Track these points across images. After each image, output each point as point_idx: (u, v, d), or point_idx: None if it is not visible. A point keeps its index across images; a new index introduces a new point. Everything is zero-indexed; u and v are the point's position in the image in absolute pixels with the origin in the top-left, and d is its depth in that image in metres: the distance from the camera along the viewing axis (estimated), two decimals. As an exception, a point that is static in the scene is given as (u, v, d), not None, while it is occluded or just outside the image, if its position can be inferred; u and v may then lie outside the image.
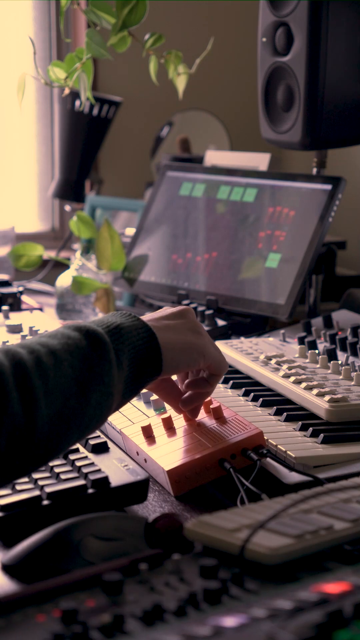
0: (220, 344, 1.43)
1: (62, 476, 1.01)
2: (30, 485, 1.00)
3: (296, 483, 1.06)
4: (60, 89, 1.77)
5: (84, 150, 2.36)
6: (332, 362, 1.31)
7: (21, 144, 2.59)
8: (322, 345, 1.44)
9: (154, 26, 1.81)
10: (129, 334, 1.00)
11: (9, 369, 0.88)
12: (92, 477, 1.01)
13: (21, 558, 0.91)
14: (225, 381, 1.33)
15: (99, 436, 1.11)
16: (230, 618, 0.66)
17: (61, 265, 2.09)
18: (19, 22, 2.52)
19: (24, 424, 0.87)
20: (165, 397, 1.13)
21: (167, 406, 1.21)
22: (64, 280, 1.87)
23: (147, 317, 1.08)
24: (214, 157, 2.12)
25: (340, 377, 1.29)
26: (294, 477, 1.07)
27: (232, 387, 1.32)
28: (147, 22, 1.64)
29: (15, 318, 1.62)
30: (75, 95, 2.22)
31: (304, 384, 1.24)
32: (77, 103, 2.27)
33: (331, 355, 1.35)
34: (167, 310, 1.11)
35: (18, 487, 0.99)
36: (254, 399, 1.27)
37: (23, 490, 0.99)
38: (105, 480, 1.01)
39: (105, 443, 1.09)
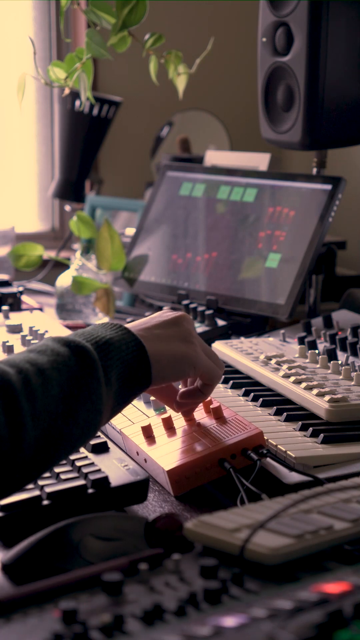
0: (220, 344, 1.43)
1: (62, 476, 1.01)
2: (30, 485, 1.00)
3: (296, 483, 1.06)
4: (60, 89, 1.77)
5: (84, 150, 2.36)
6: (332, 362, 1.31)
7: (21, 144, 2.59)
8: (322, 345, 1.44)
9: (154, 26, 1.81)
10: (118, 349, 0.98)
11: None
12: (92, 477, 1.01)
13: (21, 558, 0.91)
14: (225, 381, 1.33)
15: (99, 436, 1.11)
16: (230, 618, 0.66)
17: (61, 265, 2.09)
18: (19, 22, 2.52)
19: (9, 448, 0.87)
20: (160, 396, 1.13)
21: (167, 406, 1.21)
22: (64, 280, 1.87)
23: (137, 325, 1.06)
24: (214, 157, 2.12)
25: (340, 377, 1.29)
26: (294, 477, 1.07)
27: (232, 387, 1.32)
28: (147, 22, 1.64)
29: (15, 318, 1.62)
30: (75, 95, 2.22)
31: (304, 384, 1.24)
32: (77, 103, 2.27)
33: (331, 355, 1.35)
34: (161, 316, 1.09)
35: (18, 487, 0.99)
36: (254, 399, 1.27)
37: (23, 491, 0.99)
38: (105, 480, 1.01)
39: (105, 443, 1.09)
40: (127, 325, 1.04)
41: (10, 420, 0.87)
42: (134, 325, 1.06)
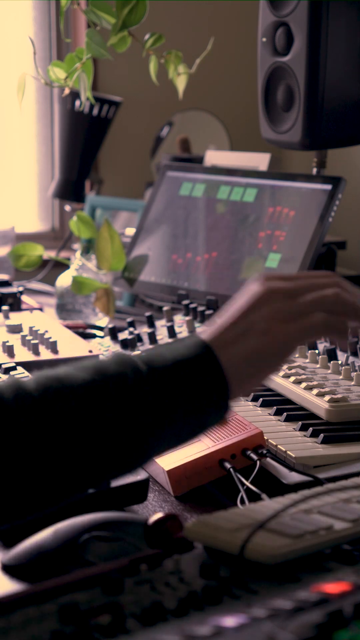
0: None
1: (62, 476, 1.01)
2: (30, 485, 1.00)
3: (296, 483, 1.06)
4: (60, 89, 1.77)
5: (84, 150, 2.36)
6: (332, 362, 1.31)
7: (21, 144, 2.59)
8: (322, 345, 1.44)
9: (154, 26, 1.81)
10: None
11: None
12: (92, 477, 1.01)
13: (21, 558, 0.91)
14: (225, 381, 1.33)
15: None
16: (230, 618, 0.66)
17: (61, 265, 2.09)
18: (19, 22, 2.52)
19: None
20: None
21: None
22: (64, 280, 1.87)
23: (212, 338, 0.89)
24: (214, 157, 2.12)
25: (340, 377, 1.29)
26: (294, 477, 1.07)
27: (232, 387, 1.32)
28: (147, 22, 1.64)
29: (15, 318, 1.62)
30: (75, 95, 2.22)
31: (304, 384, 1.24)
32: (77, 103, 2.27)
33: (331, 355, 1.35)
34: (234, 313, 0.91)
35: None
36: (254, 399, 1.27)
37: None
38: (105, 480, 1.01)
39: (105, 443, 1.09)
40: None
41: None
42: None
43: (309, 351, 1.36)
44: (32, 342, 1.44)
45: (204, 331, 0.90)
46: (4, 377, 1.33)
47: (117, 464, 0.87)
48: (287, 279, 0.93)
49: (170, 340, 1.53)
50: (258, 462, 1.08)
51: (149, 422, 0.85)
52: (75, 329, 1.70)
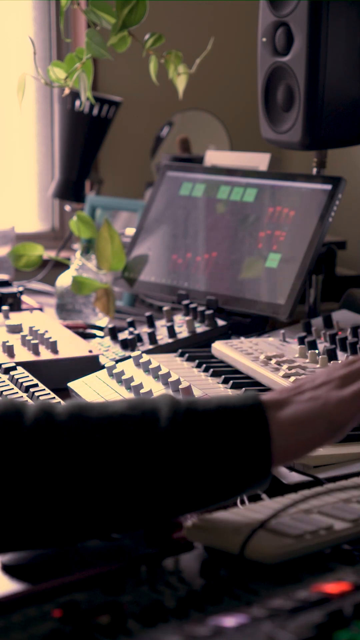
0: (220, 344, 1.43)
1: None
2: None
3: (296, 483, 1.06)
4: (60, 89, 1.77)
5: (84, 150, 2.36)
6: (332, 362, 1.31)
7: (21, 144, 2.59)
8: (322, 345, 1.44)
9: (154, 26, 1.81)
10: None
11: None
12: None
13: (21, 558, 0.91)
14: (225, 381, 1.33)
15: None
16: (230, 618, 0.66)
17: (61, 265, 2.09)
18: (19, 22, 2.52)
19: None
20: None
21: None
22: (64, 280, 1.87)
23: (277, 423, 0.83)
24: (214, 157, 2.12)
25: (340, 377, 1.29)
26: (294, 477, 1.07)
27: (232, 387, 1.32)
28: (147, 22, 1.64)
29: (15, 318, 1.62)
30: (75, 95, 2.22)
31: (304, 384, 1.24)
32: (77, 103, 2.27)
33: (331, 355, 1.35)
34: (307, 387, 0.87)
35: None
36: (254, 399, 1.27)
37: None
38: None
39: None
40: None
41: None
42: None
43: (309, 351, 1.36)
44: (32, 342, 1.44)
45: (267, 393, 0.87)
46: (4, 377, 1.33)
47: (128, 510, 0.81)
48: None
49: (170, 340, 1.53)
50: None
51: (176, 464, 0.80)
52: (75, 329, 1.70)
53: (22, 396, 1.26)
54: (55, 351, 1.45)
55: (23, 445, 0.80)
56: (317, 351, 1.37)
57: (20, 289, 1.81)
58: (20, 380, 1.29)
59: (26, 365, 1.38)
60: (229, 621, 0.66)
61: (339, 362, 1.33)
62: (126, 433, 0.80)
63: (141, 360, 1.36)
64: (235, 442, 0.80)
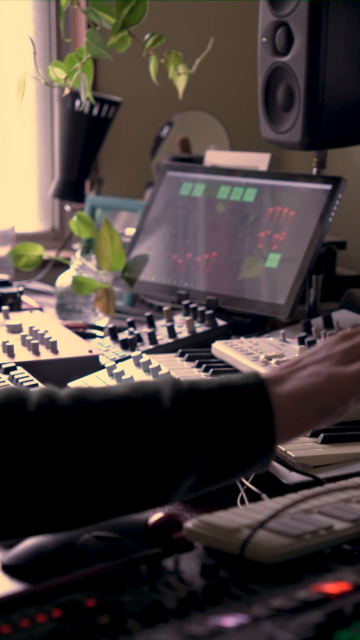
0: (220, 344, 1.43)
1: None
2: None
3: (296, 483, 1.06)
4: (60, 89, 1.77)
5: (84, 150, 2.36)
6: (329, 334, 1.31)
7: (21, 144, 2.59)
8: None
9: (154, 26, 1.81)
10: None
11: None
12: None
13: (21, 558, 0.91)
14: (225, 381, 1.33)
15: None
16: (230, 618, 0.66)
17: (61, 265, 2.09)
18: (19, 22, 2.52)
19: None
20: None
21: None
22: (64, 280, 1.87)
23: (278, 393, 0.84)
24: (214, 157, 2.12)
25: (340, 377, 1.29)
26: (294, 477, 1.07)
27: (232, 387, 1.32)
28: (147, 22, 1.64)
29: (15, 318, 1.62)
30: (75, 95, 2.22)
31: (304, 384, 1.24)
32: (77, 103, 2.27)
33: (331, 355, 1.35)
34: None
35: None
36: (254, 399, 1.27)
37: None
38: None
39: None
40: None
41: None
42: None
43: (309, 351, 1.36)
44: (32, 342, 1.44)
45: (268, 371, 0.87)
46: (4, 377, 1.33)
47: (133, 491, 0.82)
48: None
49: (170, 340, 1.53)
50: (258, 462, 1.08)
51: (180, 444, 0.80)
52: (75, 329, 1.70)
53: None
54: (55, 351, 1.45)
55: (27, 430, 0.81)
56: (317, 351, 1.37)
57: (20, 289, 1.81)
58: (20, 380, 1.29)
59: (26, 365, 1.38)
60: (229, 621, 0.66)
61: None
62: (129, 415, 0.80)
63: (141, 360, 1.36)
64: (238, 419, 0.81)
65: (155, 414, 0.80)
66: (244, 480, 1.05)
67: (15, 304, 1.76)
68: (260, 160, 1.99)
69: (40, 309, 1.80)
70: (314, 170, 1.76)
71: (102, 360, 1.47)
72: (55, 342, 1.45)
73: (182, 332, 1.55)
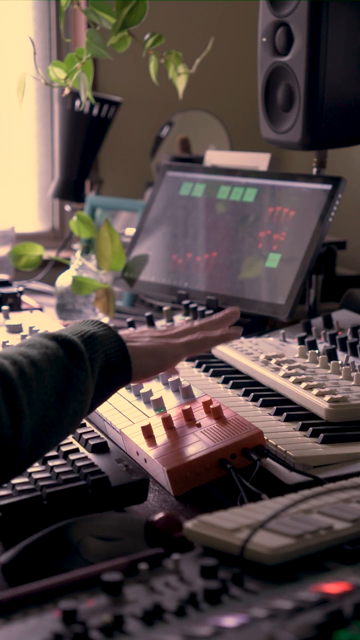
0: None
1: (62, 476, 1.01)
2: (30, 486, 1.00)
3: (296, 483, 1.06)
4: (60, 89, 1.77)
5: (84, 150, 2.36)
6: (332, 362, 1.31)
7: (21, 144, 2.59)
8: (322, 345, 1.44)
9: (154, 26, 1.81)
10: (102, 344, 1.02)
11: None
12: (92, 477, 1.01)
13: (21, 558, 0.91)
14: (225, 381, 1.33)
15: (98, 436, 1.11)
16: (230, 618, 0.66)
17: (61, 265, 2.09)
18: (19, 22, 2.53)
19: (10, 435, 0.89)
20: None
21: (167, 406, 1.21)
22: (64, 280, 1.87)
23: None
24: (214, 157, 2.12)
25: (340, 377, 1.29)
26: (294, 477, 1.07)
27: (232, 387, 1.32)
28: (147, 22, 1.64)
29: (15, 318, 1.62)
30: (75, 95, 2.22)
31: (304, 384, 1.24)
32: (77, 103, 2.27)
33: (331, 355, 1.35)
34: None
35: (18, 488, 0.99)
36: (254, 399, 1.27)
37: (23, 491, 0.99)
38: (105, 480, 1.01)
39: (105, 443, 1.09)
40: None
41: (10, 408, 0.90)
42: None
43: (309, 351, 1.36)
44: (32, 342, 1.44)
45: None
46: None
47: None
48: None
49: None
50: (258, 462, 1.08)
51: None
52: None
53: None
54: (55, 351, 1.44)
55: None
56: (317, 351, 1.37)
57: (20, 289, 1.80)
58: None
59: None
60: (229, 621, 0.66)
61: (340, 361, 1.33)
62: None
63: (141, 360, 1.35)
64: (114, 371, 1.04)
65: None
66: (244, 481, 1.05)
67: (15, 304, 1.76)
68: (260, 160, 1.99)
69: (40, 309, 1.80)
70: (314, 170, 1.76)
71: (102, 360, 1.47)
72: (55, 342, 1.44)
73: (182, 332, 1.55)
